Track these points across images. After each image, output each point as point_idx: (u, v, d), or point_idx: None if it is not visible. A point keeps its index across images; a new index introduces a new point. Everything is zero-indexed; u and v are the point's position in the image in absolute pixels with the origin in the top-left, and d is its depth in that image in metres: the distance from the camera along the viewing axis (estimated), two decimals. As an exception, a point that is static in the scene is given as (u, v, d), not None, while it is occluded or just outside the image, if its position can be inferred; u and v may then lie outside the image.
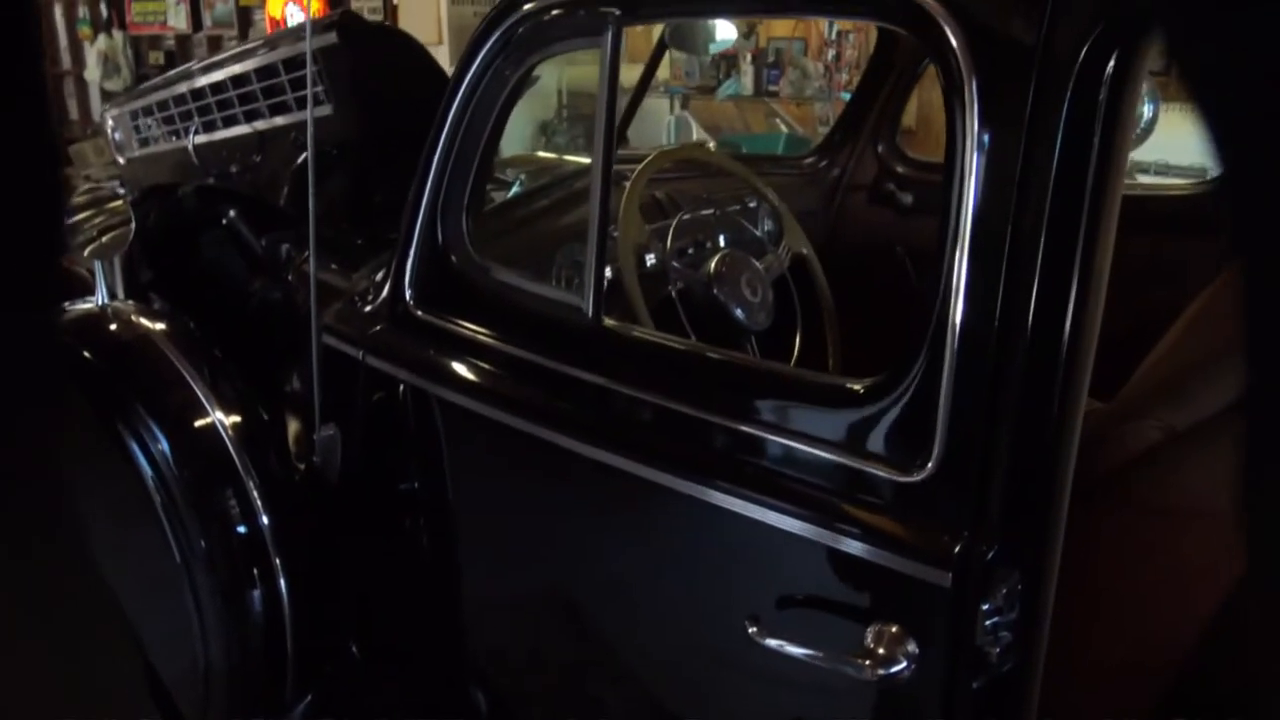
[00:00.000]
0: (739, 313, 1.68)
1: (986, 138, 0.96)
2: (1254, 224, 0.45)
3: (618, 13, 1.26)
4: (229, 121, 2.30)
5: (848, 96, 3.55)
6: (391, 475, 1.65)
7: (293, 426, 1.90)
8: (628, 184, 1.67)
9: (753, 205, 2.07)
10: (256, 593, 1.75)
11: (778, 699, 1.17)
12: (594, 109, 1.30)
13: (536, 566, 1.47)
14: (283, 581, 1.75)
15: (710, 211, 1.98)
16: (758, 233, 2.02)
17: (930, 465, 1.01)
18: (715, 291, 1.67)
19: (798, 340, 1.86)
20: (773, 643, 1.08)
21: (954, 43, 0.97)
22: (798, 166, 2.57)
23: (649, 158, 1.76)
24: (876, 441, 1.05)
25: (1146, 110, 5.32)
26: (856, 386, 1.07)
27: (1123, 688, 1.14)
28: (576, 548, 1.39)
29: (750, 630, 1.09)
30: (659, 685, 1.35)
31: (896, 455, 1.03)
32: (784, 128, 5.62)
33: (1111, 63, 0.93)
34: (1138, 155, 4.85)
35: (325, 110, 2.03)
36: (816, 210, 2.48)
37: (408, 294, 1.55)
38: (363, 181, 2.14)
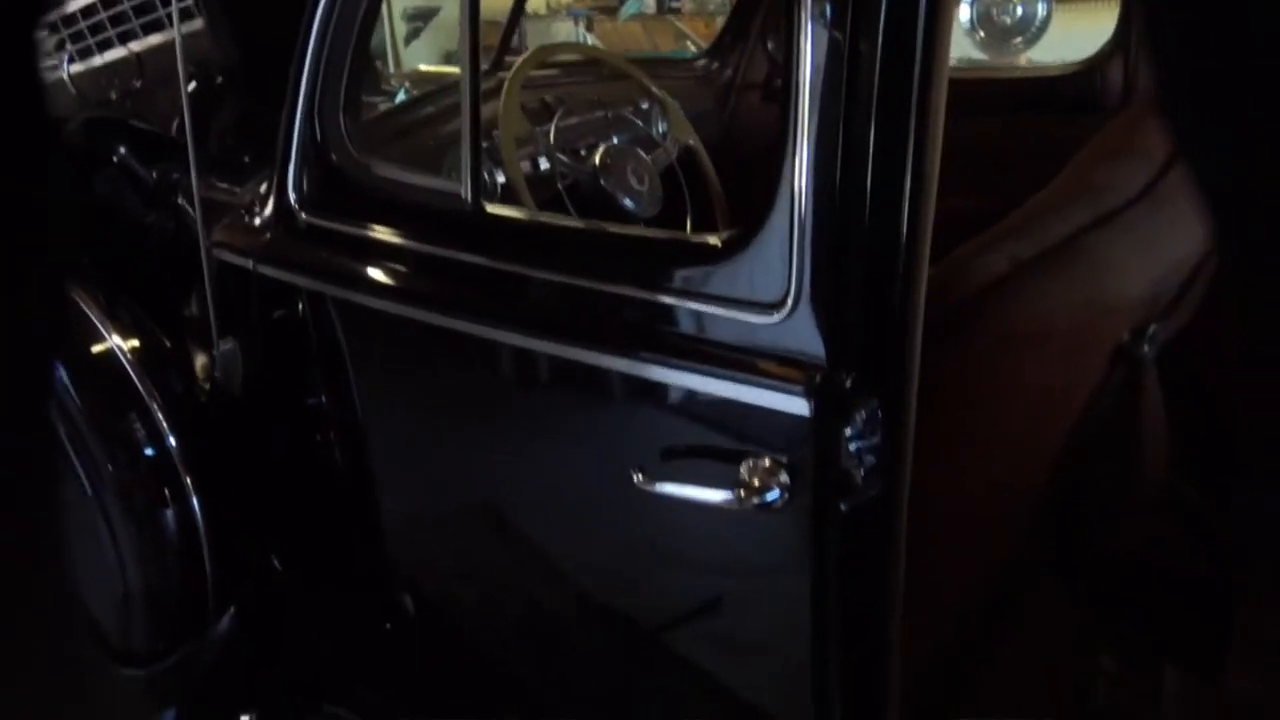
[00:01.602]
0: (627, 202, 1.71)
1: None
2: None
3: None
4: (104, 46, 2.25)
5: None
6: (294, 383, 1.66)
7: (194, 348, 1.90)
8: (506, 81, 1.69)
9: (645, 107, 2.10)
10: (169, 513, 1.77)
11: (669, 541, 1.23)
12: (496, 38, 1.31)
13: (442, 453, 1.50)
14: (195, 500, 1.77)
15: (598, 113, 2.00)
16: (648, 131, 2.04)
17: (788, 305, 1.06)
18: (602, 182, 1.70)
19: (688, 228, 1.90)
20: (658, 488, 1.14)
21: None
22: (690, 69, 2.60)
23: (527, 54, 1.77)
24: (738, 289, 1.09)
25: (1040, 9, 5.37)
26: (715, 240, 1.12)
27: (989, 508, 1.22)
28: (478, 428, 1.43)
29: (637, 479, 1.15)
30: (564, 549, 1.41)
31: (757, 300, 1.08)
32: (692, 47, 5.62)
33: None
34: (1035, 54, 4.94)
35: (197, 24, 1.99)
36: (711, 110, 2.51)
37: (292, 198, 1.55)
38: (248, 102, 2.12)
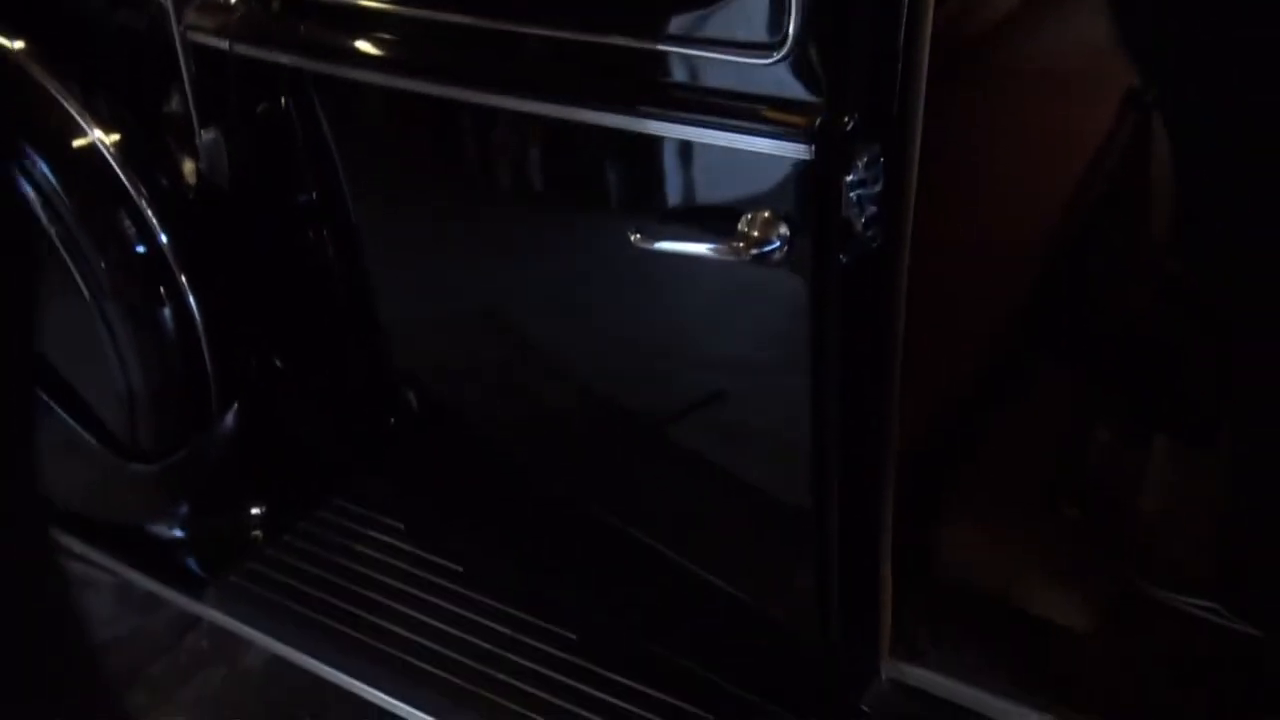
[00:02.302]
0: None
1: None
2: None
3: None
4: None
5: None
6: (282, 171, 1.63)
7: (178, 146, 1.85)
8: None
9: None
10: (166, 311, 1.75)
11: (668, 310, 1.22)
12: None
13: (435, 229, 1.48)
14: (191, 297, 1.75)
15: None
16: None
17: (786, 46, 1.01)
18: None
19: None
20: (656, 246, 1.12)
21: None
22: None
23: None
24: (734, 30, 1.04)
25: None
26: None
27: (991, 269, 1.21)
28: (474, 198, 1.39)
29: (634, 239, 1.13)
30: (564, 329, 1.40)
31: (754, 40, 1.03)
32: None
33: None
34: None
35: None
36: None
37: (265, -30, 1.48)
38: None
